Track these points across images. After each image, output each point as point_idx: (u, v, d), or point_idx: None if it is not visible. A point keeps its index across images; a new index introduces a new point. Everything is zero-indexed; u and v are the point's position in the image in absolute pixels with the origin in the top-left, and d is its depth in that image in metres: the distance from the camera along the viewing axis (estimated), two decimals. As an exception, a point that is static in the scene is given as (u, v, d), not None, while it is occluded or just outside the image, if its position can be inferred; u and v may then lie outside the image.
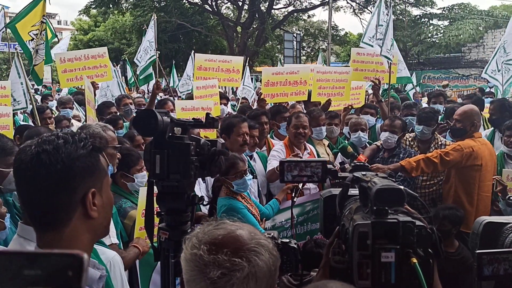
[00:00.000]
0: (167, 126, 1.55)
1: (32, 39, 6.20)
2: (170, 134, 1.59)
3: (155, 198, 1.71)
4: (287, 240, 1.63)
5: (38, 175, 1.22)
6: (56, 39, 11.28)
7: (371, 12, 27.32)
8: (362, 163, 1.46)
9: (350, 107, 6.30)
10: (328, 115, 5.48)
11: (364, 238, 1.12)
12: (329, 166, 1.44)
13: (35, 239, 1.75)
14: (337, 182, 2.12)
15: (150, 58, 8.58)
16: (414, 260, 1.07)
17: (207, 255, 1.14)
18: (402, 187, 1.24)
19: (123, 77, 15.90)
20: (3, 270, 0.56)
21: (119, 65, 12.42)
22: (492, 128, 5.86)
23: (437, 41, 23.52)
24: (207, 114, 1.72)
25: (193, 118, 1.74)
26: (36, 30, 6.22)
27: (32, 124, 5.96)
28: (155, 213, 1.75)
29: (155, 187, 1.69)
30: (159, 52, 8.47)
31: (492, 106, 5.91)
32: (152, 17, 8.44)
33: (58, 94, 13.54)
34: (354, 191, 1.41)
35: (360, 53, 7.13)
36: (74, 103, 7.31)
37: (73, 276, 0.56)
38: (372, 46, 7.63)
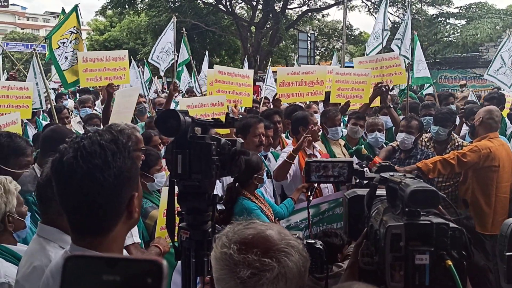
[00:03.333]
0: (189, 126, 1.54)
1: (59, 47, 6.50)
2: (191, 134, 1.59)
3: (176, 197, 1.71)
4: (313, 241, 1.62)
5: (92, 191, 1.25)
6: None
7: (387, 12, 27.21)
8: (387, 164, 1.43)
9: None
10: (355, 115, 5.44)
11: (397, 240, 1.11)
12: (355, 166, 1.42)
13: (56, 239, 1.76)
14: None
15: (171, 60, 8.72)
16: (449, 263, 1.05)
17: (237, 255, 1.14)
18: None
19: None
20: (81, 274, 0.55)
21: (145, 67, 12.57)
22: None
23: (454, 40, 23.23)
24: (227, 114, 1.71)
25: (212, 118, 1.74)
26: (64, 39, 6.56)
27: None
28: (176, 212, 1.75)
29: (176, 187, 1.69)
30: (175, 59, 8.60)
31: None
32: (172, 19, 8.50)
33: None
34: (380, 191, 1.39)
35: (363, 62, 7.11)
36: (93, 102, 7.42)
37: (153, 283, 0.54)
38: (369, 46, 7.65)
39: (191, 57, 9.66)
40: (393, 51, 8.16)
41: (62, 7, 7.47)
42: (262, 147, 4.35)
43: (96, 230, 1.30)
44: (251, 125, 4.25)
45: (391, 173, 1.29)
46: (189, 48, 9.79)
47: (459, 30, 23.88)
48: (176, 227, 1.78)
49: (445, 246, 1.07)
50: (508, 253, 1.35)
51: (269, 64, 12.52)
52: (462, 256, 1.08)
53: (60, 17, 7.43)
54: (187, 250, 1.71)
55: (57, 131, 3.74)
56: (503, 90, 8.96)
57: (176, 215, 1.76)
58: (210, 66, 17.87)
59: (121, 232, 1.34)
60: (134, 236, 2.62)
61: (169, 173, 1.79)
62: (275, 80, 11.68)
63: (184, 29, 9.69)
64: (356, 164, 4.48)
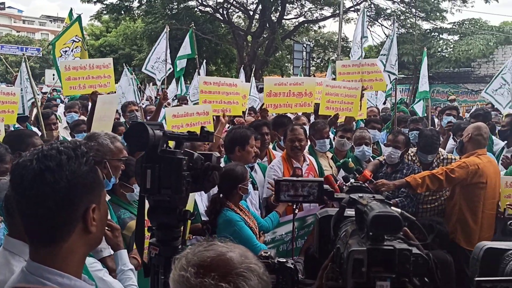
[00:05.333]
0: (159, 140, 1.52)
1: (61, 56, 6.68)
2: (163, 148, 1.56)
3: (146, 212, 1.68)
4: (284, 260, 1.58)
5: (42, 193, 1.22)
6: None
7: (381, 25, 27.41)
8: (359, 184, 1.40)
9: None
10: (341, 127, 5.45)
11: (359, 265, 1.08)
12: (325, 186, 1.39)
13: (21, 252, 1.72)
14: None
15: (169, 70, 8.73)
16: (410, 290, 1.02)
17: (194, 278, 1.10)
18: (399, 212, 1.18)
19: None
20: None
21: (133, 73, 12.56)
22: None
23: (446, 55, 23.41)
24: (202, 127, 1.69)
25: (188, 131, 1.71)
26: (66, 47, 6.77)
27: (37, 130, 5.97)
28: (146, 227, 1.72)
29: (146, 202, 1.66)
30: (171, 68, 8.59)
31: (506, 119, 5.97)
32: (165, 29, 8.48)
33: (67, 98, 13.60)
34: (350, 212, 1.36)
35: (346, 65, 7.21)
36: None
37: None
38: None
39: (197, 56, 9.59)
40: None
41: (71, 8, 7.51)
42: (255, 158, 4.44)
43: (48, 239, 1.25)
44: (249, 137, 4.30)
45: (360, 195, 1.27)
46: (195, 45, 9.73)
47: (452, 46, 24.08)
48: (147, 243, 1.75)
49: (407, 272, 1.05)
50: (477, 278, 1.32)
51: (252, 74, 12.48)
52: (424, 283, 1.06)
53: (66, 20, 7.51)
54: (156, 266, 1.68)
55: (11, 135, 3.71)
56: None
57: (146, 231, 1.73)
58: (208, 75, 17.88)
59: (77, 245, 1.28)
60: (110, 248, 2.57)
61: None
62: (259, 90, 11.69)
63: (193, 24, 9.61)
64: (343, 177, 4.54)
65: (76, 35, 6.87)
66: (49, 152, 1.24)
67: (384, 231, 1.07)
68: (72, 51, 6.77)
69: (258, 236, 3.73)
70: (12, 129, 5.82)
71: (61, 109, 10.08)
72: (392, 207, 1.27)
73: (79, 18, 7.06)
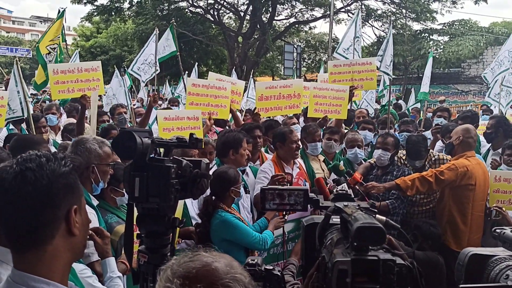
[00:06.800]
0: (148, 148, 1.52)
1: (49, 53, 6.80)
2: (152, 156, 1.56)
3: (135, 219, 1.68)
4: (271, 267, 1.59)
5: (23, 193, 1.23)
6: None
7: (372, 26, 27.52)
8: (344, 192, 1.41)
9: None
10: (329, 130, 5.46)
11: (344, 276, 1.08)
12: (311, 195, 1.41)
13: (9, 261, 1.70)
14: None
15: (154, 72, 8.73)
16: (393, 300, 1.03)
17: None
18: (383, 222, 1.20)
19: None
20: None
21: (125, 75, 12.51)
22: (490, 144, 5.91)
23: (437, 56, 23.57)
24: (191, 134, 1.69)
25: (176, 138, 1.71)
26: (53, 44, 6.88)
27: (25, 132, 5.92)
28: (135, 234, 1.72)
29: (135, 209, 1.66)
30: (158, 71, 8.61)
31: (491, 121, 5.99)
32: (154, 31, 8.45)
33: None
34: (336, 219, 1.37)
35: (337, 65, 7.25)
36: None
37: None
38: (346, 57, 7.85)
39: (178, 52, 9.59)
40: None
41: (59, 8, 7.48)
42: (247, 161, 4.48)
43: (31, 241, 1.25)
44: (242, 140, 4.33)
45: (345, 203, 1.28)
46: (177, 41, 9.75)
47: (442, 46, 24.25)
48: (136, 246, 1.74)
49: (391, 283, 1.06)
50: (461, 285, 1.34)
51: (251, 75, 12.47)
52: (408, 293, 1.07)
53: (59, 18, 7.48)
54: (145, 274, 1.68)
55: (21, 140, 3.68)
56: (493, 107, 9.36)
57: (135, 238, 1.73)
58: (200, 76, 17.86)
59: (61, 249, 1.28)
60: (98, 255, 2.56)
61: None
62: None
63: (173, 19, 9.62)
64: (333, 180, 4.56)
65: (58, 35, 6.97)
66: (28, 156, 1.27)
67: (367, 242, 1.08)
68: (54, 50, 6.89)
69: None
70: (5, 131, 5.78)
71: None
72: (377, 216, 1.28)
73: (62, 13, 7.06)
